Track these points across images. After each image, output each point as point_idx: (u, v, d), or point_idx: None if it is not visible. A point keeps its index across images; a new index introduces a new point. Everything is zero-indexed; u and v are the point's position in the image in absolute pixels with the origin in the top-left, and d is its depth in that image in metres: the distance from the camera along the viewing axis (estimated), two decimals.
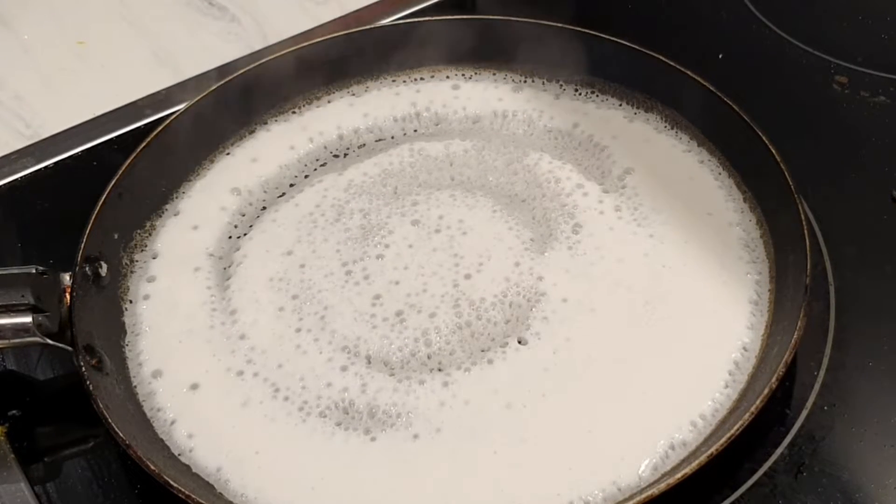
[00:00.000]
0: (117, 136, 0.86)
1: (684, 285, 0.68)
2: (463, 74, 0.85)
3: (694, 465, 0.56)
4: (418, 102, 0.83)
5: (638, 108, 0.81)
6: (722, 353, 0.64)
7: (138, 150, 0.74)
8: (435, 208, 0.74)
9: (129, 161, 0.73)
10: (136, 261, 0.73)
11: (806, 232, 0.66)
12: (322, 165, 0.80)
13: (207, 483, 0.60)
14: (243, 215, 0.76)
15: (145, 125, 0.86)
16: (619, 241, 0.71)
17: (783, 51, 0.91)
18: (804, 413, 0.64)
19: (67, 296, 0.66)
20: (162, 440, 0.62)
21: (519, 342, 0.66)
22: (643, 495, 0.55)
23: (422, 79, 0.85)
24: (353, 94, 0.84)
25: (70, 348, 0.64)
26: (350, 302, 0.68)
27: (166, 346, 0.67)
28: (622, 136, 0.79)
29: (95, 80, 0.94)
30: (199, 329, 0.68)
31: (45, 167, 0.84)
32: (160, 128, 0.76)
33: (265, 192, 0.78)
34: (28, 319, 0.63)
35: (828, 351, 0.67)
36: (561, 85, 0.83)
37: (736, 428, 0.57)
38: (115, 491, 0.63)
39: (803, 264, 0.64)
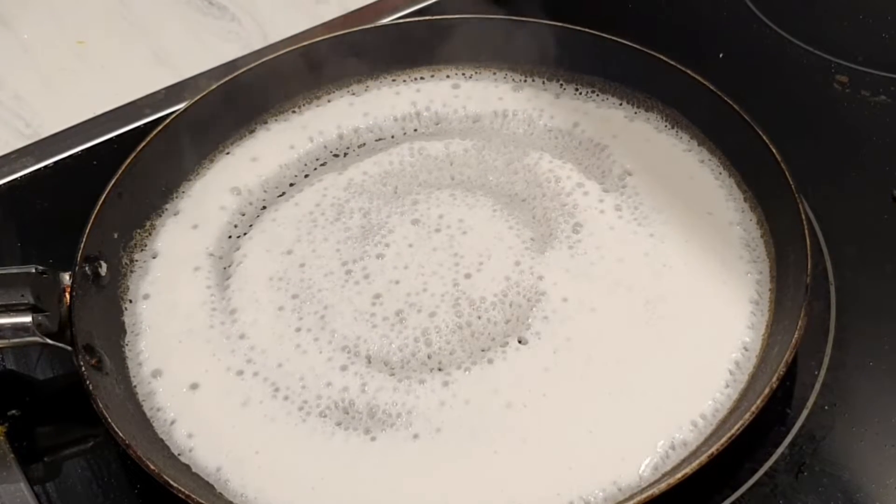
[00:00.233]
0: (117, 136, 0.86)
1: (685, 285, 0.68)
2: (463, 74, 0.85)
3: (694, 464, 0.56)
4: (418, 102, 0.83)
5: (638, 107, 0.81)
6: (722, 353, 0.64)
7: (138, 149, 0.74)
8: (435, 208, 0.74)
9: (128, 161, 0.73)
10: (136, 260, 0.73)
11: (806, 231, 0.66)
12: (322, 165, 0.80)
13: (207, 483, 0.60)
14: (243, 215, 0.76)
15: (145, 125, 0.86)
16: (619, 241, 0.71)
17: (784, 50, 0.90)
18: (805, 413, 0.64)
19: (67, 295, 0.65)
20: (162, 440, 0.62)
21: (519, 342, 0.65)
22: (644, 495, 0.55)
23: (422, 78, 0.85)
24: (353, 94, 0.84)
25: (70, 348, 0.63)
26: (350, 301, 0.68)
27: (166, 345, 0.67)
28: (622, 135, 0.78)
29: (95, 80, 0.94)
30: (198, 329, 0.68)
31: (45, 167, 0.84)
32: (160, 127, 0.76)
33: (265, 191, 0.78)
34: (28, 319, 0.63)
35: (828, 350, 0.67)
36: (561, 84, 0.83)
37: (736, 428, 0.57)
38: (115, 491, 0.63)
39: (804, 264, 0.64)
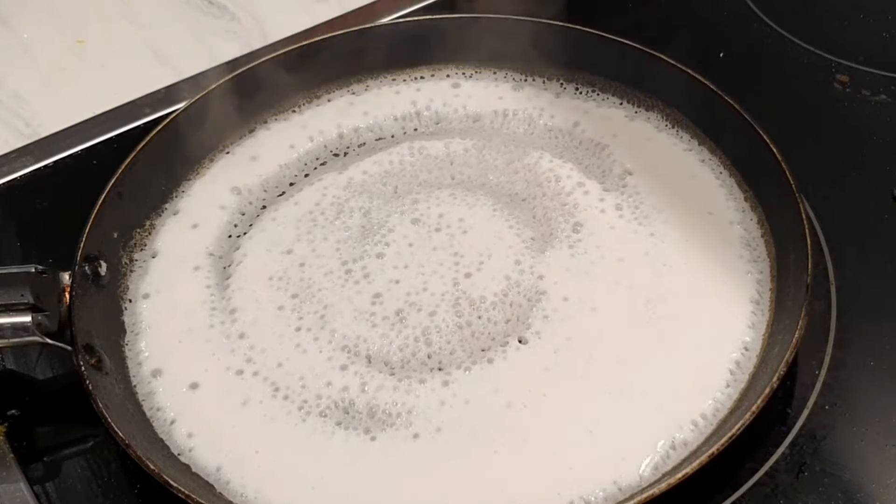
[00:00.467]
0: (117, 135, 0.86)
1: (685, 284, 0.68)
2: (463, 73, 0.85)
3: (695, 464, 0.56)
4: (418, 101, 0.83)
5: (639, 106, 0.81)
6: (723, 353, 0.64)
7: (138, 149, 0.74)
8: (435, 207, 0.74)
9: (128, 160, 0.73)
10: (136, 260, 0.72)
11: (807, 231, 0.66)
12: (322, 164, 0.80)
13: (207, 483, 0.60)
14: (243, 214, 0.76)
15: (145, 124, 0.85)
16: (619, 240, 0.71)
17: (784, 49, 0.90)
18: (805, 412, 0.64)
19: (67, 295, 0.65)
20: (161, 440, 0.62)
21: (519, 341, 0.65)
22: (644, 495, 0.55)
23: (422, 77, 0.85)
24: (353, 93, 0.84)
25: (69, 348, 0.63)
26: (350, 301, 0.68)
27: (166, 345, 0.67)
28: (623, 134, 0.78)
29: (95, 79, 0.94)
30: (198, 328, 0.68)
31: (45, 166, 0.84)
32: (160, 127, 0.76)
33: (265, 190, 0.78)
34: (27, 319, 0.63)
35: (829, 350, 0.67)
36: (561, 83, 0.83)
37: (737, 427, 0.57)
38: (115, 491, 0.63)
39: (804, 263, 0.64)
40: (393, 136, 0.82)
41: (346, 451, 0.61)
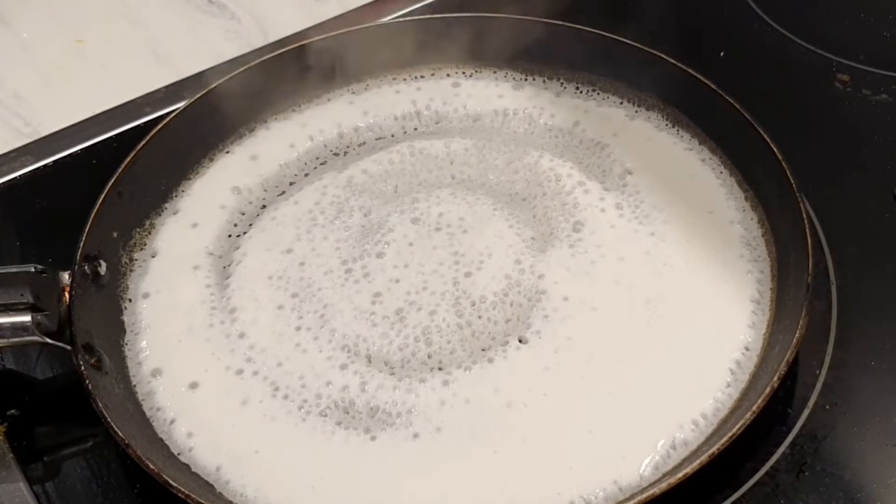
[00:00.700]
0: (116, 135, 0.85)
1: (685, 284, 0.68)
2: (463, 72, 0.85)
3: (695, 464, 0.56)
4: (419, 100, 0.83)
5: (639, 106, 0.80)
6: (723, 352, 0.64)
7: (137, 148, 0.74)
8: (435, 206, 0.73)
9: (128, 159, 0.73)
10: (136, 259, 0.72)
11: (807, 230, 0.66)
12: (322, 164, 0.80)
13: (207, 482, 0.60)
14: (243, 213, 0.76)
15: (144, 123, 0.85)
16: (620, 240, 0.71)
17: (785, 49, 0.90)
18: (806, 412, 0.64)
19: (66, 294, 0.65)
20: (161, 439, 0.62)
21: (520, 341, 0.65)
22: (644, 495, 0.55)
23: (422, 77, 0.85)
24: (353, 92, 0.84)
25: (69, 347, 0.63)
26: (350, 300, 0.68)
27: (165, 344, 0.67)
28: (623, 134, 0.78)
29: (94, 79, 0.94)
30: (198, 328, 0.68)
31: (44, 165, 0.84)
32: (159, 126, 0.76)
33: (265, 190, 0.78)
34: (27, 318, 0.63)
35: (829, 350, 0.67)
36: (562, 83, 0.83)
37: (737, 427, 0.57)
38: (115, 490, 0.63)
39: (805, 263, 0.64)
40: (393, 136, 0.82)
41: (346, 451, 0.61)
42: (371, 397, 0.63)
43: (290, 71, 0.82)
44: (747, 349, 0.64)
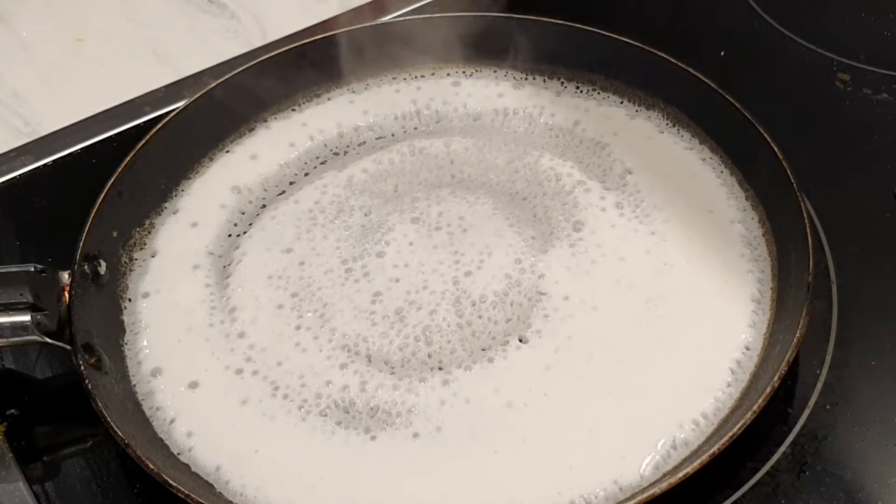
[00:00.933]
0: (116, 134, 0.85)
1: (686, 283, 0.68)
2: (463, 72, 0.85)
3: (696, 464, 0.56)
4: (419, 100, 0.83)
5: (639, 105, 0.80)
6: (724, 352, 0.64)
7: (137, 147, 0.74)
8: (435, 205, 0.73)
9: (127, 159, 0.73)
10: (135, 259, 0.72)
11: (808, 230, 0.65)
12: (322, 163, 0.80)
13: (207, 482, 0.60)
14: (243, 213, 0.76)
15: (144, 123, 0.85)
16: (620, 239, 0.71)
17: (785, 48, 0.90)
18: (806, 412, 0.64)
19: (66, 294, 0.65)
20: (161, 439, 0.62)
21: (520, 340, 0.65)
22: (645, 494, 0.55)
23: (422, 76, 0.85)
24: (354, 92, 0.84)
25: (69, 347, 0.63)
26: (350, 299, 0.68)
27: (165, 344, 0.67)
28: (623, 133, 0.78)
29: (94, 78, 0.94)
30: (198, 327, 0.68)
31: (44, 165, 0.84)
32: (159, 125, 0.76)
33: (265, 189, 0.78)
34: (27, 318, 0.63)
35: (830, 349, 0.67)
36: (562, 82, 0.83)
37: (738, 427, 0.57)
38: (114, 490, 0.63)
39: (805, 262, 0.64)
40: (393, 135, 0.82)
41: (345, 451, 0.61)
42: (371, 397, 0.63)
43: (290, 70, 0.82)
44: (748, 349, 0.64)
